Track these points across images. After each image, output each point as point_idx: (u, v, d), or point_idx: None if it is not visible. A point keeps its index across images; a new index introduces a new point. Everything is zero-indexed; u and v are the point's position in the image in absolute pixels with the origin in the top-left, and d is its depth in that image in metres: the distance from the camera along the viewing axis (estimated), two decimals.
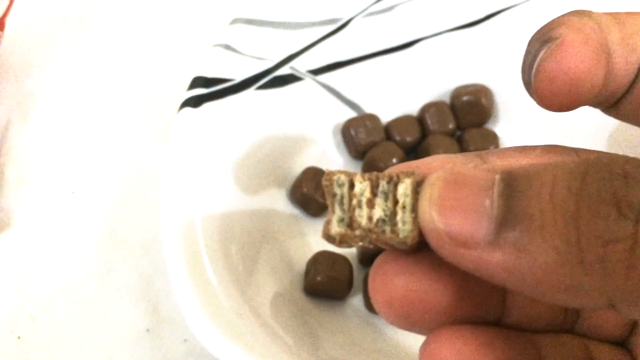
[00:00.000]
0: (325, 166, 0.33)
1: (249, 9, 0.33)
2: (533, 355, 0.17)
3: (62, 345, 0.30)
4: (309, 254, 0.31)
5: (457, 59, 0.35)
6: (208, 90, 0.31)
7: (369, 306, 0.30)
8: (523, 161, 0.18)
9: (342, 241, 0.16)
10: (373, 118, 0.34)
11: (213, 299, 0.26)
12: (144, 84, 0.38)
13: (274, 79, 0.33)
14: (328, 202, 0.16)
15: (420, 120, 0.34)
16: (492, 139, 0.34)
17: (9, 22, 0.37)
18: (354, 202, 0.16)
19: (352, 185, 0.16)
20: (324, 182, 0.16)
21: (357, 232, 0.16)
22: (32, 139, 0.36)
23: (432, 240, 0.15)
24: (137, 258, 0.32)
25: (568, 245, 0.13)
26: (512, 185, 0.14)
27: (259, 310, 0.27)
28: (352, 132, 0.33)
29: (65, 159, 0.35)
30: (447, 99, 0.35)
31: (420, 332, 0.17)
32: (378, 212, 0.16)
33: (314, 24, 0.34)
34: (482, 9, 0.35)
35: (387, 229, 0.16)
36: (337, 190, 0.16)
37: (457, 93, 0.34)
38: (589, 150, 0.19)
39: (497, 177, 0.14)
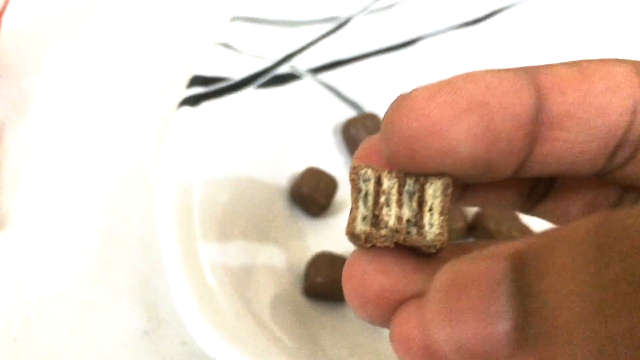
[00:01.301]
0: (325, 166, 0.32)
1: (248, 7, 0.33)
2: None
3: (59, 348, 0.30)
4: (308, 255, 0.31)
5: (458, 57, 0.35)
6: (206, 89, 0.30)
7: None
8: (583, 85, 0.15)
9: (367, 240, 0.15)
10: (374, 117, 0.34)
11: (212, 301, 0.25)
12: (141, 83, 0.38)
13: (274, 77, 0.32)
14: (352, 197, 0.15)
15: None
16: None
17: (5, 21, 0.37)
18: (382, 199, 0.15)
19: (378, 182, 0.15)
20: (351, 176, 0.15)
21: (383, 232, 0.15)
22: (29, 139, 0.36)
23: (450, 355, 0.13)
24: (134, 259, 0.32)
25: (599, 351, 0.11)
26: (524, 276, 0.12)
27: (258, 311, 0.27)
28: (353, 132, 0.33)
29: (62, 159, 0.35)
30: None
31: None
32: (406, 213, 0.15)
33: (314, 22, 0.33)
34: (483, 7, 0.35)
35: (414, 230, 0.15)
36: (363, 186, 0.15)
37: None
38: None
39: (504, 264, 0.12)
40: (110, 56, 0.39)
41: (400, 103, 0.15)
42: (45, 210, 0.33)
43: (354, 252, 0.16)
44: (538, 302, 0.11)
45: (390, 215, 0.15)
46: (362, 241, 0.15)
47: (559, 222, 0.18)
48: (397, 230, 0.15)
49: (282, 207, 0.32)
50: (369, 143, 0.17)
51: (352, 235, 0.15)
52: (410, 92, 0.15)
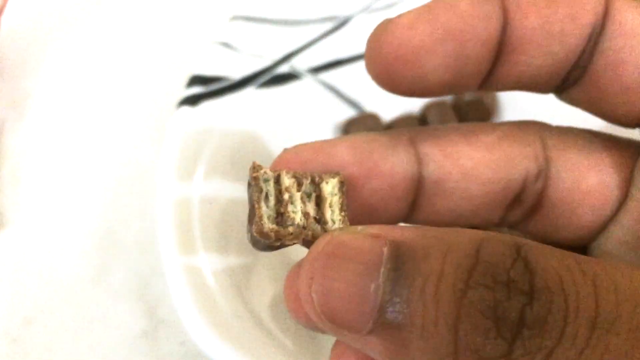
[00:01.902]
0: None
1: (248, 6, 0.33)
2: None
3: (58, 348, 0.30)
4: None
5: None
6: (206, 88, 0.30)
7: None
8: (465, 153, 0.17)
9: (277, 238, 0.15)
10: (374, 117, 0.34)
11: (211, 302, 0.25)
12: (140, 83, 0.38)
13: (273, 77, 0.32)
14: (254, 197, 0.16)
15: (421, 119, 0.34)
16: None
17: (4, 20, 0.37)
18: (286, 197, 0.16)
19: (277, 182, 0.16)
20: (252, 174, 0.16)
21: (291, 229, 0.15)
22: (28, 139, 0.36)
23: (313, 318, 0.14)
24: (133, 259, 0.32)
25: (447, 354, 0.12)
26: (399, 268, 0.13)
27: (257, 312, 0.27)
28: (353, 132, 0.33)
29: (61, 159, 0.35)
30: (449, 98, 0.35)
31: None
32: (311, 210, 0.16)
33: (314, 21, 0.33)
34: None
35: (318, 227, 0.16)
36: (264, 186, 0.16)
37: None
38: (561, 128, 0.18)
39: (385, 252, 0.13)
40: (110, 56, 0.39)
41: (384, 29, 0.16)
42: (45, 210, 0.33)
43: (292, 267, 0.17)
44: (407, 296, 0.13)
45: (296, 212, 0.16)
46: (273, 239, 0.15)
47: (591, 109, 0.19)
48: (304, 227, 0.16)
49: None
50: (285, 155, 0.17)
51: (261, 233, 0.15)
52: (394, 18, 0.16)
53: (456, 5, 0.16)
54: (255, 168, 0.16)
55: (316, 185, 0.16)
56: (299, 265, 0.16)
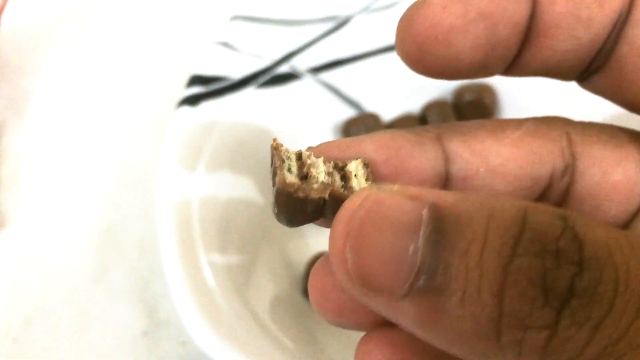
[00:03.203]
0: None
1: (248, 6, 0.33)
2: None
3: (58, 348, 0.30)
4: (308, 256, 0.31)
5: None
6: (206, 88, 0.30)
7: None
8: (493, 149, 0.17)
9: (299, 189, 0.15)
10: (374, 117, 0.34)
11: (211, 302, 0.25)
12: (140, 83, 0.38)
13: (273, 77, 0.32)
14: (276, 164, 0.16)
15: (422, 119, 0.34)
16: None
17: (4, 20, 0.37)
18: (309, 161, 0.16)
19: (299, 158, 0.16)
20: (273, 144, 0.16)
21: (315, 186, 0.15)
22: (28, 139, 0.36)
23: (341, 278, 0.14)
24: (133, 260, 0.32)
25: (488, 321, 0.12)
26: (440, 231, 0.12)
27: (257, 312, 0.27)
28: (353, 132, 0.33)
29: (61, 159, 0.35)
30: (449, 98, 0.35)
31: (359, 330, 0.17)
32: (337, 178, 0.16)
33: (314, 21, 0.33)
34: None
35: (344, 190, 0.15)
36: (285, 158, 0.16)
37: (460, 92, 0.34)
38: (584, 123, 0.18)
39: (425, 213, 0.13)
40: (110, 56, 0.39)
41: (418, 7, 0.16)
42: (45, 210, 0.33)
43: (319, 260, 0.17)
44: (448, 259, 0.12)
45: (319, 173, 0.16)
46: (295, 189, 0.15)
47: (614, 97, 0.18)
48: (329, 183, 0.15)
49: None
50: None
51: (284, 183, 0.15)
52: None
53: None
54: (276, 145, 0.16)
55: (340, 168, 0.16)
56: (318, 265, 0.16)
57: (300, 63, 0.33)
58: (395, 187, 0.14)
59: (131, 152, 0.35)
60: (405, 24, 0.16)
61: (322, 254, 0.30)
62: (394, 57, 0.34)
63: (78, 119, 0.36)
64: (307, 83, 0.33)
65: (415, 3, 0.16)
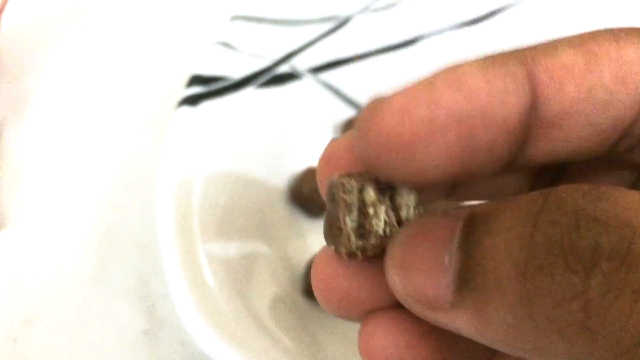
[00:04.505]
0: None
1: (248, 6, 0.33)
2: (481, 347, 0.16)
3: (58, 349, 0.30)
4: (308, 255, 0.31)
5: (459, 56, 0.34)
6: (206, 88, 0.30)
7: None
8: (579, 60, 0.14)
9: (363, 255, 0.14)
10: None
11: (211, 301, 0.25)
12: (140, 83, 0.38)
13: (273, 77, 0.32)
14: (340, 212, 0.14)
15: None
16: None
17: (4, 20, 0.37)
18: (371, 211, 0.14)
19: (360, 192, 0.14)
20: (332, 190, 0.15)
21: (373, 241, 0.14)
22: (28, 139, 0.36)
23: (401, 301, 0.13)
24: (133, 259, 0.32)
25: (521, 308, 0.11)
26: (471, 234, 0.12)
27: (257, 312, 0.27)
28: None
29: (61, 159, 0.35)
30: None
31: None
32: (386, 219, 0.14)
33: (314, 21, 0.33)
34: (484, 6, 0.34)
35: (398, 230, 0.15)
36: (348, 198, 0.14)
37: None
38: None
39: (459, 224, 0.12)
40: (110, 55, 0.39)
41: (374, 110, 0.13)
42: (45, 210, 0.33)
43: (321, 249, 0.16)
44: (478, 259, 0.12)
45: (379, 225, 0.14)
46: (361, 257, 0.14)
47: None
48: (386, 236, 0.14)
49: (281, 207, 0.32)
50: (333, 147, 0.16)
51: (349, 255, 0.14)
52: (386, 98, 0.13)
53: (465, 82, 0.13)
54: (340, 184, 0.14)
55: (392, 190, 0.15)
56: (321, 254, 0.16)
57: (300, 63, 0.33)
58: (436, 213, 0.13)
59: (131, 152, 0.35)
60: (362, 129, 0.13)
61: None
62: (394, 57, 0.34)
63: (78, 119, 0.36)
64: (307, 83, 0.33)
65: (373, 101, 0.13)
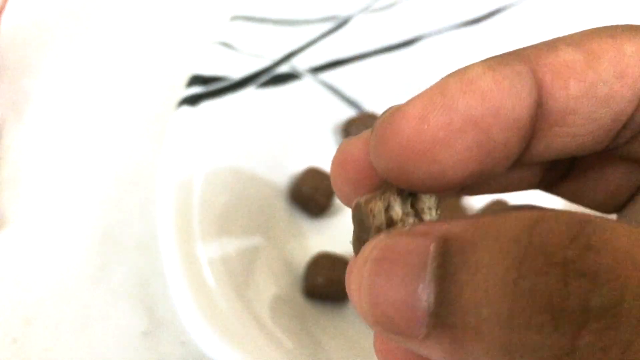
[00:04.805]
0: (325, 166, 0.32)
1: (248, 6, 0.33)
2: None
3: (58, 348, 0.29)
4: (308, 256, 0.31)
5: (459, 56, 0.34)
6: (206, 88, 0.30)
7: None
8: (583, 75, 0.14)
9: None
10: (374, 117, 0.34)
11: (211, 301, 0.25)
12: (140, 83, 0.38)
13: (273, 77, 0.32)
14: (371, 237, 0.14)
15: None
16: None
17: (4, 20, 0.37)
18: (400, 226, 0.14)
19: (386, 210, 0.14)
20: (359, 217, 0.14)
21: None
22: (28, 138, 0.36)
23: (369, 325, 0.13)
24: (133, 259, 0.32)
25: (502, 355, 0.11)
26: (446, 264, 0.12)
27: (257, 312, 0.27)
28: (353, 132, 0.33)
29: (61, 159, 0.35)
30: None
31: None
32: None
33: (314, 21, 0.33)
34: (484, 6, 0.34)
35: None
36: (377, 221, 0.14)
37: None
38: None
39: (432, 249, 0.12)
40: (110, 55, 0.39)
41: (391, 119, 0.14)
42: (44, 210, 0.33)
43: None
44: (456, 293, 0.11)
45: None
46: None
47: (584, 202, 0.17)
48: None
49: (282, 207, 0.32)
50: (347, 148, 0.16)
51: None
52: (401, 107, 0.14)
53: (476, 84, 0.13)
54: (361, 206, 0.14)
55: (414, 198, 0.15)
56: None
57: (300, 63, 0.33)
58: (406, 228, 0.13)
59: (131, 152, 0.35)
60: (379, 140, 0.14)
61: (322, 254, 0.30)
62: (394, 57, 0.34)
63: (78, 119, 0.36)
64: (307, 83, 0.33)
65: (388, 111, 0.14)
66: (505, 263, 0.11)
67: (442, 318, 0.12)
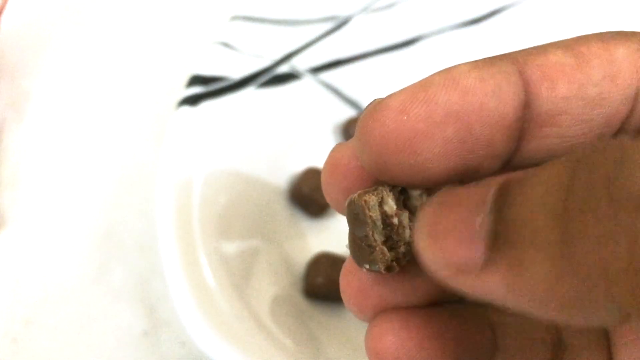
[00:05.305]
0: None
1: (248, 6, 0.33)
2: (487, 341, 0.16)
3: (58, 349, 0.29)
4: (308, 255, 0.31)
5: (459, 56, 0.34)
6: (206, 88, 0.30)
7: None
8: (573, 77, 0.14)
9: (398, 265, 0.15)
10: None
11: (211, 301, 0.25)
12: (140, 83, 0.38)
13: (273, 77, 0.32)
14: (368, 230, 0.14)
15: None
16: None
17: (4, 20, 0.37)
18: (395, 221, 0.14)
19: (380, 205, 0.14)
20: (354, 211, 0.14)
21: (402, 249, 0.15)
22: (28, 139, 0.36)
23: (428, 270, 0.13)
24: (133, 259, 0.32)
25: (561, 253, 0.11)
26: (504, 196, 0.12)
27: (257, 312, 0.27)
28: (353, 132, 0.33)
29: (61, 159, 0.35)
30: None
31: None
32: (410, 225, 0.15)
33: (314, 21, 0.33)
34: (484, 7, 0.34)
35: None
36: (373, 215, 0.14)
37: None
38: None
39: (492, 189, 0.12)
40: (110, 55, 0.39)
41: (373, 112, 0.14)
42: (44, 210, 0.33)
43: (349, 258, 0.16)
44: (512, 215, 0.11)
45: (405, 233, 0.15)
46: (397, 268, 0.15)
47: None
48: (410, 243, 0.15)
49: (282, 207, 0.32)
50: (338, 153, 0.16)
51: (387, 269, 0.15)
52: (384, 100, 0.14)
53: (459, 81, 0.14)
54: (355, 201, 0.14)
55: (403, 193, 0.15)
56: (350, 262, 0.16)
57: (300, 63, 0.33)
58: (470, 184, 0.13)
59: (131, 152, 0.35)
60: (362, 131, 0.14)
61: (322, 253, 0.30)
62: (394, 57, 0.34)
63: (78, 119, 0.36)
64: (307, 83, 0.33)
65: (371, 104, 0.14)
66: (561, 171, 0.11)
67: (500, 240, 0.12)
